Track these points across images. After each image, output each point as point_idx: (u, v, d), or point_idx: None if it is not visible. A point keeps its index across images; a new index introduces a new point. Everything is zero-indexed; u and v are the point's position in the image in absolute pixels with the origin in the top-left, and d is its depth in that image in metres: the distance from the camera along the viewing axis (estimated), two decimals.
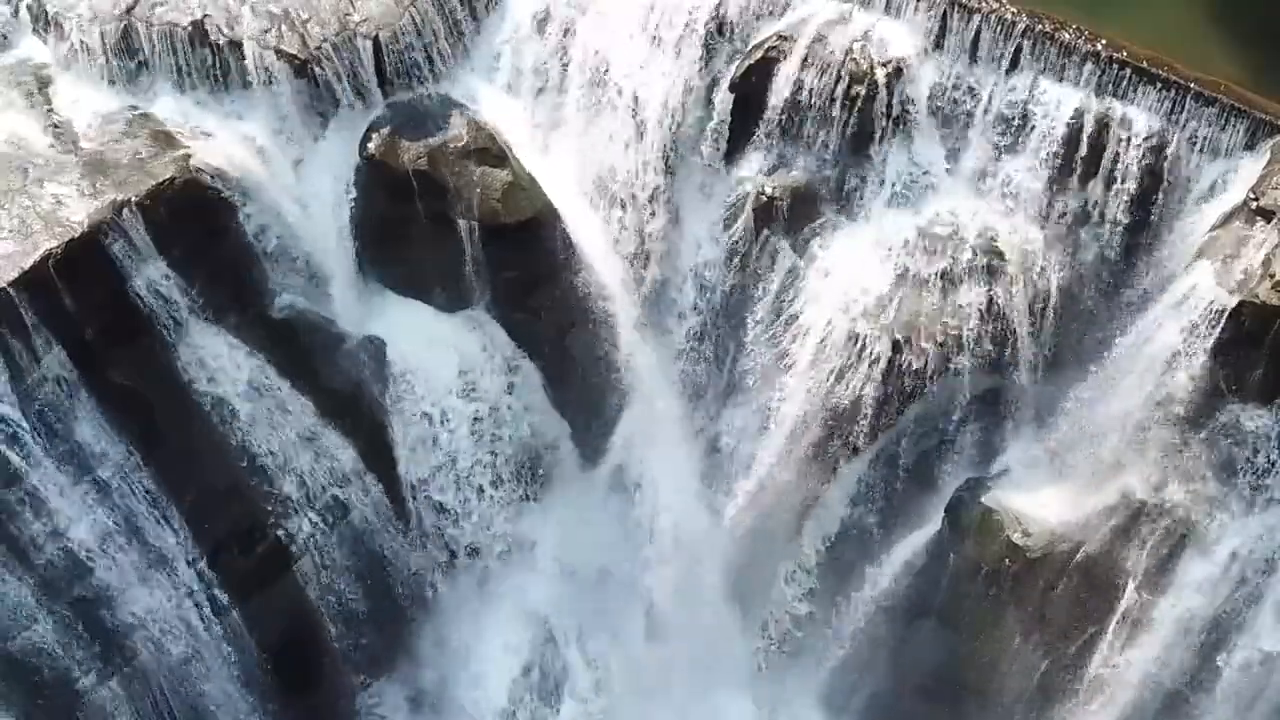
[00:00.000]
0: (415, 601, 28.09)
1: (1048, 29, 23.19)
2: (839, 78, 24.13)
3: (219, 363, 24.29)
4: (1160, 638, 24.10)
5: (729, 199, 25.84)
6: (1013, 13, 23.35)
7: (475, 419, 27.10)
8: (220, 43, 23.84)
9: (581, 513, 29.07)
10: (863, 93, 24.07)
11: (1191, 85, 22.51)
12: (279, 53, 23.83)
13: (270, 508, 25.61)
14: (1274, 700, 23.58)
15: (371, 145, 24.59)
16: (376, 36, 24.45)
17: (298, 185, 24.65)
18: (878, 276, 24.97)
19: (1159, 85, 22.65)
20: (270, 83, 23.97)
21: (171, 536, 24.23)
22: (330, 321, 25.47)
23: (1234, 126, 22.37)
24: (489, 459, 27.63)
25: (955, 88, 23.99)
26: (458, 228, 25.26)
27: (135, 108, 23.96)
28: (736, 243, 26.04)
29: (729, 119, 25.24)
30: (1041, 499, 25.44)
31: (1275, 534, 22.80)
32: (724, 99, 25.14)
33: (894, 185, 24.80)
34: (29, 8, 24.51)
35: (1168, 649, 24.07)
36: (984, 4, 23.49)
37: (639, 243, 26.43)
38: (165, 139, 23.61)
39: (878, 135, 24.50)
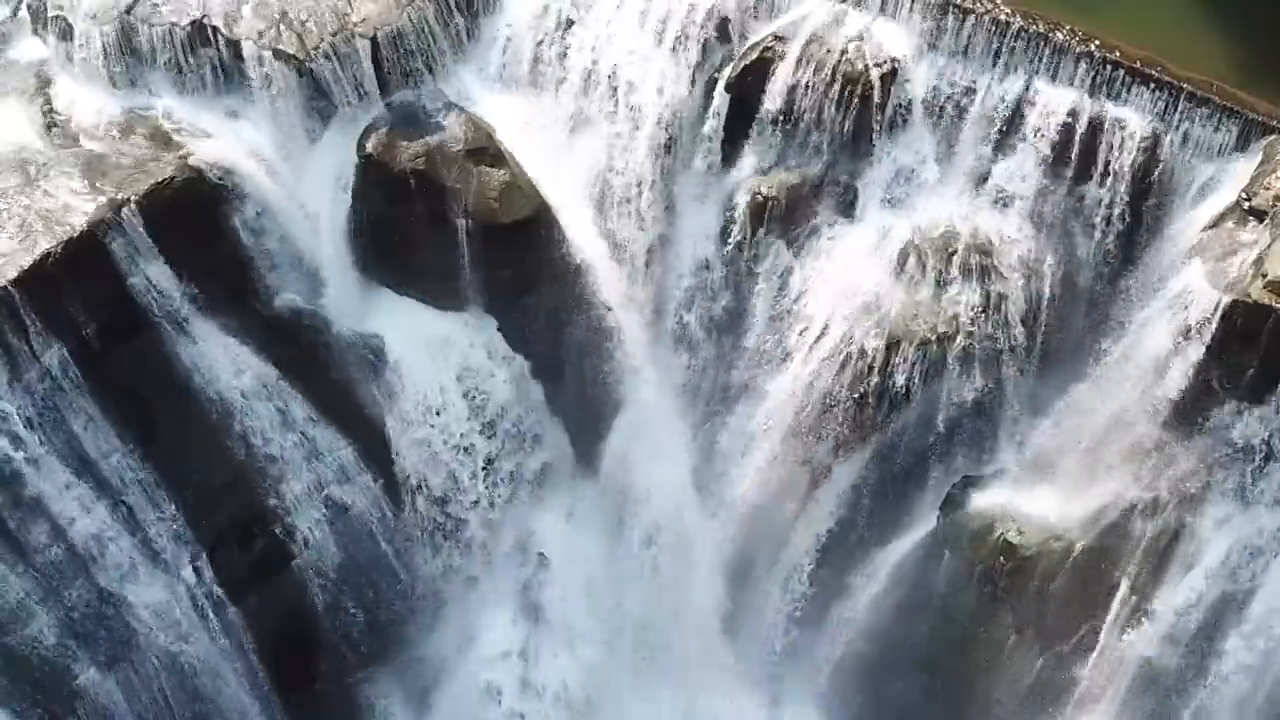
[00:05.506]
0: (412, 597, 28.18)
1: (1041, 30, 23.24)
2: (834, 78, 24.23)
3: (218, 361, 24.40)
4: (1154, 635, 24.14)
5: (725, 199, 25.92)
6: (1007, 14, 23.41)
7: (471, 417, 27.16)
8: (219, 43, 23.95)
9: (577, 510, 29.12)
10: (858, 93, 24.17)
11: (1184, 86, 22.57)
12: (277, 53, 23.92)
13: (269, 504, 25.74)
14: (1267, 697, 23.65)
15: (369, 145, 24.67)
16: (375, 36, 24.52)
17: (296, 184, 24.75)
18: (873, 276, 25.02)
19: (1152, 86, 22.70)
20: (269, 83, 24.06)
21: (171, 533, 24.35)
22: (328, 319, 25.55)
23: (1226, 127, 22.43)
24: (485, 457, 27.67)
25: (950, 88, 24.05)
26: (455, 227, 25.33)
27: (134, 107, 24.14)
28: (732, 242, 26.12)
29: (725, 119, 25.35)
30: (1036, 497, 25.46)
31: (1268, 532, 22.87)
32: (720, 99, 25.25)
33: (889, 185, 24.88)
34: (29, 8, 24.69)
35: (1162, 646, 24.11)
36: (978, 5, 23.58)
37: (636, 242, 26.49)
38: (164, 139, 23.80)
39: (873, 135, 24.57)
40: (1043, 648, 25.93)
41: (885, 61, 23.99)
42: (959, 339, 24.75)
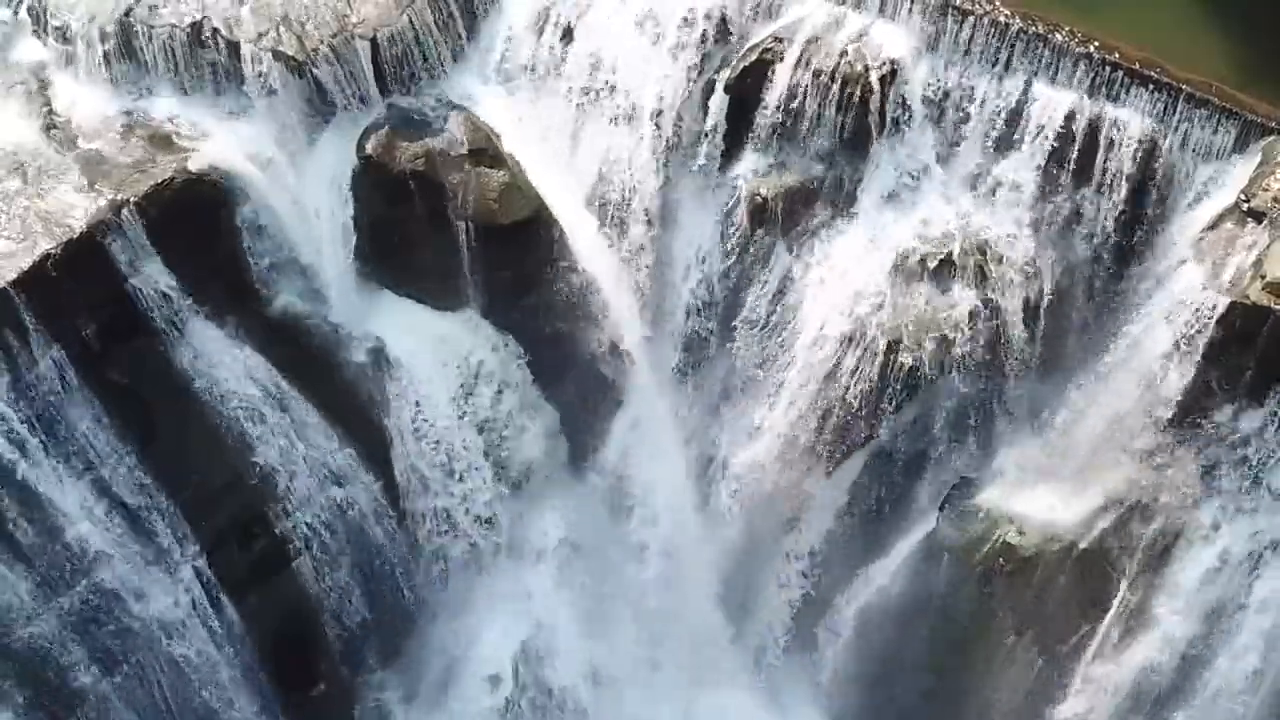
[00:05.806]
0: (412, 598, 28.15)
1: (1041, 31, 23.22)
2: (834, 80, 24.21)
3: (218, 362, 24.38)
4: (1153, 636, 24.20)
5: (724, 200, 25.90)
6: (1006, 15, 23.39)
7: (471, 418, 27.07)
8: (219, 44, 23.94)
9: (576, 512, 29.03)
10: (857, 94, 24.14)
11: (1183, 87, 22.55)
12: (277, 54, 23.89)
13: (269, 505, 25.71)
14: (1265, 697, 23.68)
15: (369, 146, 24.66)
16: (374, 38, 24.52)
17: (296, 186, 24.70)
18: (872, 277, 25.02)
19: (1151, 87, 22.68)
20: (268, 84, 24.02)
21: (171, 534, 24.34)
22: (328, 321, 25.53)
23: (1225, 128, 22.40)
24: (485, 458, 27.57)
25: (949, 90, 24.02)
26: (455, 228, 25.34)
27: (134, 109, 24.09)
28: (732, 244, 26.12)
29: (724, 121, 25.34)
30: (1035, 498, 25.49)
31: (1266, 533, 22.89)
32: (719, 101, 25.22)
33: (888, 186, 24.84)
34: (30, 9, 24.65)
35: (1160, 647, 24.17)
36: (978, 6, 23.56)
37: (635, 244, 26.52)
38: (164, 140, 23.77)
39: (872, 137, 24.54)
40: (1042, 649, 25.96)
41: (884, 63, 23.94)
42: (958, 340, 24.76)
